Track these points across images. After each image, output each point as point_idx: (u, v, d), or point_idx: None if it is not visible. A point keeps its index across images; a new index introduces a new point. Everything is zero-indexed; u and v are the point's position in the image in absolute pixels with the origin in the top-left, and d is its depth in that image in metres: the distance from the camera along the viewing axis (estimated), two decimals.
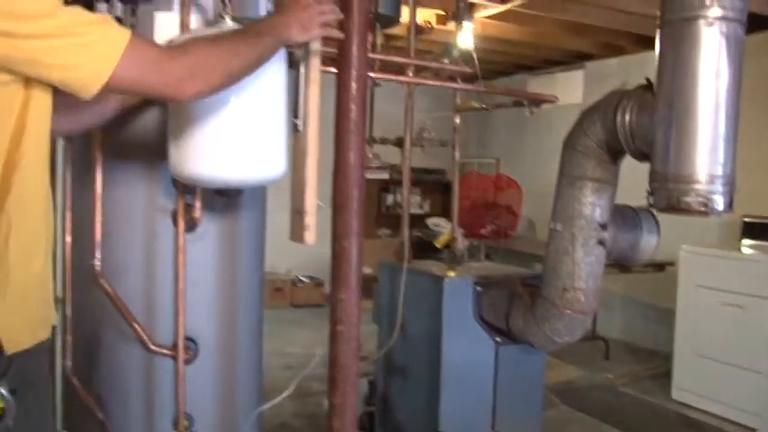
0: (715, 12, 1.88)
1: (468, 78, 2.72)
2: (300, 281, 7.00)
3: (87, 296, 1.99)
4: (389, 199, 7.61)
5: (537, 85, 7.28)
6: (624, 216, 2.34)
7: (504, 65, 7.05)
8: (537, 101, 2.64)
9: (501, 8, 4.58)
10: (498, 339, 2.70)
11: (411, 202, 3.22)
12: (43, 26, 1.20)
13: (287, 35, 1.49)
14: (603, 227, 2.25)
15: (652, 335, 5.81)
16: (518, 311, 2.49)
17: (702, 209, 1.93)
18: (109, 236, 1.94)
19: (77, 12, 1.25)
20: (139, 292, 1.96)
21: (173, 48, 1.43)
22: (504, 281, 2.68)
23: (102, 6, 1.79)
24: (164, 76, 1.32)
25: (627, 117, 2.07)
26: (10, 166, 1.26)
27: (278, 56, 1.61)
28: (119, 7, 1.81)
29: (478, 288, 2.66)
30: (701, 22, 1.89)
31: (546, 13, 4.80)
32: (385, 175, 6.77)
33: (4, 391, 1.22)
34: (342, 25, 1.69)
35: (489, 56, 6.28)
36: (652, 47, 2.07)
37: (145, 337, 1.92)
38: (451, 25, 4.71)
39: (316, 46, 1.67)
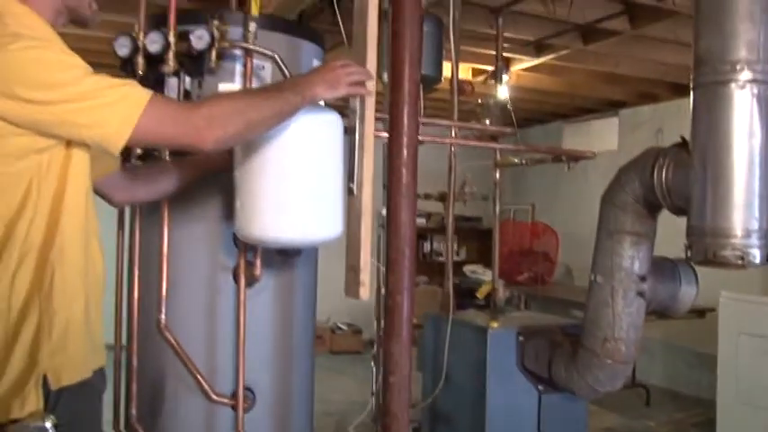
0: (746, 75, 1.98)
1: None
2: (339, 328, 7.09)
3: (152, 347, 2.11)
4: (426, 246, 7.69)
5: (571, 132, 7.38)
6: (663, 268, 2.40)
7: (538, 113, 7.16)
8: (575, 157, 2.74)
9: (535, 61, 4.72)
10: (541, 388, 2.76)
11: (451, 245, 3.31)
12: (68, 93, 1.35)
13: (311, 92, 1.60)
14: (643, 279, 2.32)
15: (694, 381, 5.75)
16: (560, 361, 2.56)
17: (739, 262, 2.00)
18: (174, 290, 2.07)
19: (101, 77, 1.39)
20: (201, 344, 2.08)
21: (192, 102, 1.57)
22: (546, 330, 2.75)
23: (173, 81, 1.96)
24: (183, 126, 1.44)
25: (664, 174, 2.16)
26: (53, 222, 1.41)
27: (336, 123, 1.75)
28: (187, 81, 1.98)
29: (521, 338, 2.73)
30: (733, 85, 1.98)
31: (579, 64, 4.92)
32: (422, 222, 6.91)
33: (49, 425, 1.33)
34: (393, 94, 1.82)
35: (524, 105, 6.41)
36: (686, 94, 2.17)
37: (207, 388, 2.04)
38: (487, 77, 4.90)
39: (369, 115, 1.80)
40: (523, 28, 4.01)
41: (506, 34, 3.80)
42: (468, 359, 2.76)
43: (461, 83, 2.93)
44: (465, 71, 5.07)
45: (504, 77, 4.57)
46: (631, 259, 2.31)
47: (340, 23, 2.31)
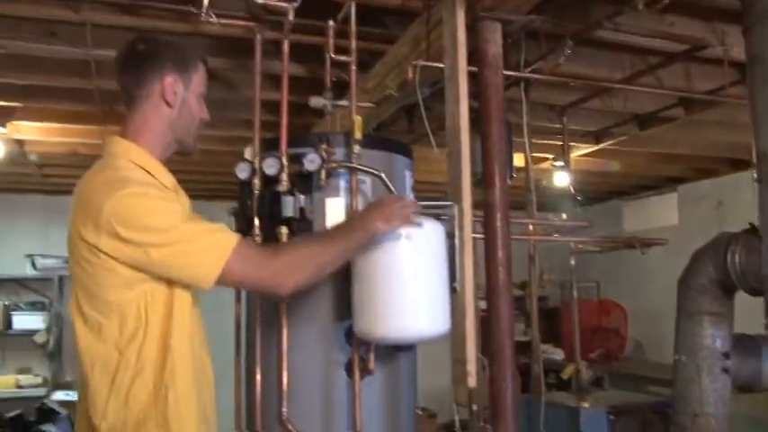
0: None
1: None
2: None
3: None
4: None
5: (631, 210, 7.50)
6: (745, 344, 2.52)
7: (597, 192, 7.32)
8: (648, 244, 2.92)
9: (594, 148, 4.93)
10: None
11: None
12: (165, 237, 1.55)
13: (373, 228, 1.77)
14: (726, 356, 2.45)
15: None
16: None
17: None
18: (294, 385, 2.28)
19: (195, 223, 1.61)
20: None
21: (272, 249, 1.79)
22: (636, 409, 2.87)
23: (289, 199, 2.23)
24: (264, 272, 1.62)
25: (737, 258, 2.32)
26: (164, 344, 1.59)
27: (440, 231, 1.98)
28: (302, 198, 2.25)
29: (611, 417, 2.86)
30: None
31: (637, 148, 5.10)
32: None
33: None
34: (486, 199, 2.06)
35: (582, 186, 6.59)
36: (745, 168, 2.35)
37: None
38: (546, 165, 5.14)
39: (467, 222, 2.04)
40: (583, 121, 4.25)
41: (568, 127, 4.05)
42: None
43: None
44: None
45: (560, 164, 4.83)
46: (713, 338, 2.45)
47: (425, 121, 2.55)
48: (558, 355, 6.19)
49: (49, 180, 5.88)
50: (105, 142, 1.74)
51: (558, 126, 3.90)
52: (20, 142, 4.78)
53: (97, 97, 3.25)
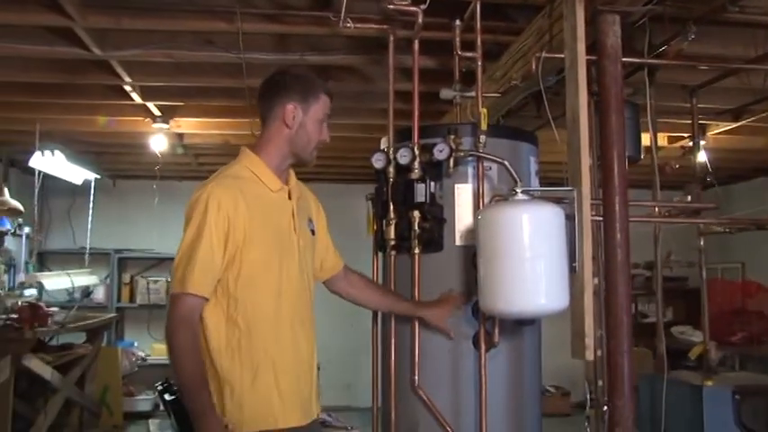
0: None
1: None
2: (547, 391, 7.24)
3: (407, 404, 2.55)
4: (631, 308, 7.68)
5: None
6: None
7: (742, 170, 7.04)
8: None
9: (734, 125, 4.79)
10: None
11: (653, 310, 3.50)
12: (189, 237, 1.95)
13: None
14: None
15: None
16: None
17: None
18: (425, 356, 2.51)
19: (205, 245, 1.92)
20: (448, 401, 2.50)
21: (191, 329, 1.91)
22: (764, 389, 2.88)
23: (421, 186, 2.45)
24: (173, 323, 1.89)
25: None
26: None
27: (560, 215, 2.13)
28: (432, 185, 2.46)
29: (737, 396, 2.88)
30: None
31: None
32: None
33: None
34: (605, 185, 2.18)
35: (725, 163, 6.37)
36: None
37: None
38: (684, 143, 5.04)
39: (585, 206, 2.17)
40: (719, 99, 4.17)
41: (702, 105, 3.98)
42: (685, 416, 2.94)
43: (662, 166, 3.19)
44: (662, 139, 5.24)
45: (701, 143, 4.72)
46: None
47: (548, 112, 2.68)
48: (696, 336, 6.07)
49: (204, 168, 6.44)
50: (240, 151, 2.13)
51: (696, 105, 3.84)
52: (180, 136, 5.31)
53: (247, 94, 3.60)
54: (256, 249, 1.97)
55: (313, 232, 2.22)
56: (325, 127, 2.14)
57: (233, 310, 1.95)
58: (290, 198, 2.12)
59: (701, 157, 4.45)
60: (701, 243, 3.26)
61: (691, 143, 4.22)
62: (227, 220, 1.93)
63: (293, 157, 2.12)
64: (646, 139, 3.26)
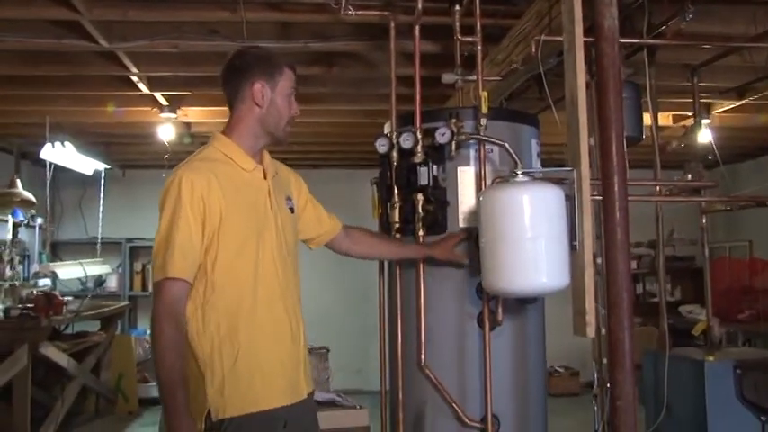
0: None
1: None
2: (556, 371, 7.31)
3: (414, 382, 2.61)
4: (639, 288, 7.72)
5: None
6: None
7: (749, 148, 7.03)
8: None
9: (738, 103, 4.80)
10: (764, 418, 2.92)
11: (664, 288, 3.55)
12: (166, 221, 1.92)
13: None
14: None
15: None
16: None
17: None
18: (431, 336, 2.57)
19: (181, 229, 1.88)
20: (454, 379, 2.55)
21: (174, 314, 1.89)
22: (765, 364, 2.92)
23: (424, 170, 2.49)
24: (157, 310, 1.86)
25: None
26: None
27: (559, 195, 2.17)
28: (435, 168, 2.50)
29: (738, 371, 2.92)
30: None
31: None
32: (632, 265, 6.99)
33: None
34: (603, 164, 2.21)
35: (732, 141, 6.37)
36: None
37: (461, 414, 2.49)
38: (688, 122, 5.06)
39: (585, 186, 2.21)
40: (721, 78, 4.18)
41: (704, 84, 4.01)
42: (688, 391, 2.99)
43: (663, 145, 3.22)
44: (666, 118, 5.26)
45: (705, 121, 4.73)
46: None
47: (548, 95, 2.71)
48: (704, 315, 6.09)
49: None
50: (211, 137, 2.12)
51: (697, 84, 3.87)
52: (187, 125, 5.37)
53: None
54: (233, 230, 1.95)
55: (292, 210, 2.21)
56: (294, 101, 2.13)
57: (210, 294, 1.93)
58: (265, 178, 2.10)
59: (703, 136, 4.48)
60: (704, 221, 3.30)
61: (686, 124, 4.25)
62: (201, 201, 1.90)
63: (267, 136, 2.10)
64: (648, 118, 3.30)
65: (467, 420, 2.49)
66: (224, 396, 1.90)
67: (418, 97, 2.64)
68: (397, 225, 2.60)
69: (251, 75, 2.05)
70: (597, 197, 2.31)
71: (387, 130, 2.73)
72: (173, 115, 4.84)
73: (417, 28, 2.69)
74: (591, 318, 2.19)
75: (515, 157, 2.32)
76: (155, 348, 1.86)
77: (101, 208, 6.70)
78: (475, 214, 2.44)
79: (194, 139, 5.77)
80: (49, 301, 4.71)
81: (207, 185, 1.92)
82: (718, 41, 3.24)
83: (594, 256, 2.34)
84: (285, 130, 2.12)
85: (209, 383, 1.90)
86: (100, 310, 5.60)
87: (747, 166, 7.53)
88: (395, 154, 2.59)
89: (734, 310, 6.13)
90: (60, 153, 5.35)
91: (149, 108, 4.87)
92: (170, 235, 1.88)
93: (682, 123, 5.29)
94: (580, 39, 2.24)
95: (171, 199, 1.90)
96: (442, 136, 2.45)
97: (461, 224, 2.55)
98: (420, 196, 2.52)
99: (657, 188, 2.96)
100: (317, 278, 5.56)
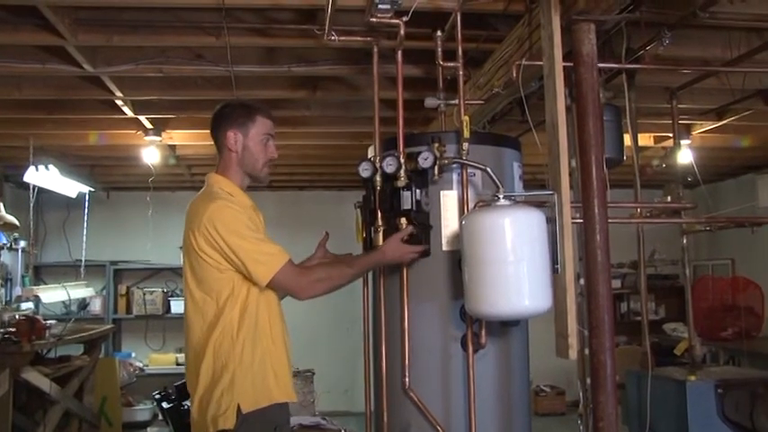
0: None
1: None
2: (542, 390, 7.31)
3: (399, 405, 2.62)
4: (623, 307, 7.76)
5: (765, 183, 7.22)
6: None
7: (729, 167, 7.11)
8: (759, 223, 2.96)
9: (718, 124, 4.86)
10: None
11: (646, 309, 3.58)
12: (243, 237, 2.21)
13: (383, 259, 2.47)
14: None
15: None
16: (762, 410, 2.76)
17: None
18: (415, 358, 2.58)
19: (264, 240, 2.25)
20: (438, 401, 2.56)
21: (305, 269, 2.38)
22: (747, 383, 2.95)
23: (407, 194, 2.51)
24: (295, 285, 2.28)
25: None
26: (243, 311, 2.24)
27: (540, 219, 2.20)
28: (418, 192, 2.53)
29: (719, 390, 2.95)
30: None
31: (766, 123, 4.97)
32: (617, 284, 7.04)
33: None
34: (584, 189, 2.25)
35: (713, 161, 6.44)
36: None
37: None
38: (669, 143, 5.12)
39: (566, 209, 2.24)
40: (700, 99, 4.24)
41: (683, 105, 4.07)
42: (670, 411, 3.01)
43: (643, 167, 3.26)
44: (646, 139, 5.32)
45: (685, 142, 4.80)
46: None
47: (528, 119, 2.75)
48: (687, 333, 6.14)
49: (197, 178, 6.50)
50: (207, 178, 2.40)
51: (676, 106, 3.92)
52: (172, 147, 5.38)
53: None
54: None
55: None
56: (271, 145, 2.41)
57: (245, 307, 2.24)
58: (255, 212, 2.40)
59: (683, 156, 4.54)
60: (684, 242, 3.34)
61: (665, 145, 4.31)
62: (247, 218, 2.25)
63: (248, 177, 2.40)
64: (629, 140, 3.34)
65: None
66: (247, 390, 2.20)
67: (401, 121, 2.67)
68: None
69: (227, 124, 2.36)
70: (578, 220, 2.34)
71: (371, 153, 2.75)
72: (157, 138, 4.84)
73: (400, 53, 2.72)
74: (573, 340, 2.22)
75: (497, 181, 2.35)
76: (330, 288, 2.33)
77: (84, 230, 6.66)
78: (458, 238, 2.46)
79: (180, 161, 5.79)
80: (31, 325, 4.66)
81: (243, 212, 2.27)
82: (696, 65, 3.30)
83: (578, 277, 2.37)
84: (263, 171, 2.41)
85: (237, 378, 2.19)
86: (83, 334, 5.55)
87: (728, 185, 7.62)
88: (378, 178, 2.61)
89: (717, 328, 6.17)
90: (44, 176, 5.33)
91: (134, 131, 4.88)
92: (250, 240, 2.21)
93: (662, 144, 5.36)
94: (559, 64, 2.29)
95: (227, 222, 2.20)
96: (425, 160, 2.47)
97: (445, 247, 2.57)
98: (403, 220, 2.53)
99: (638, 210, 3.00)
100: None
